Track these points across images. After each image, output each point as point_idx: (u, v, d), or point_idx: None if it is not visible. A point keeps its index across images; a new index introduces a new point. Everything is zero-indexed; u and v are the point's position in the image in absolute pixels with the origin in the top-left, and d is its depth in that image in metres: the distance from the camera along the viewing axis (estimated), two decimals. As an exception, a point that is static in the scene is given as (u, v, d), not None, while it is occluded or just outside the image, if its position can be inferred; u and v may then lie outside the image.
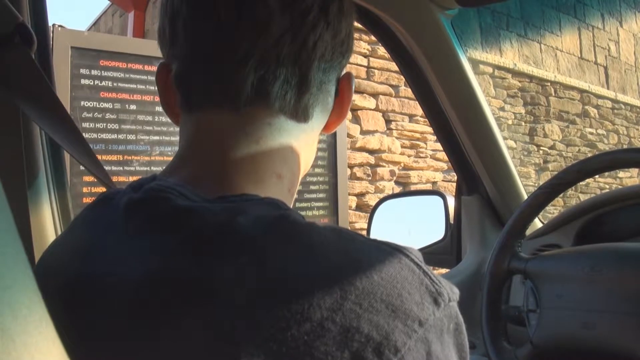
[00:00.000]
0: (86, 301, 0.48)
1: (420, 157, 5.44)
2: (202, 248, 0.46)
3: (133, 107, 3.30)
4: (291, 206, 0.61)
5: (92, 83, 3.20)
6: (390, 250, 0.48)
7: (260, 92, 0.58)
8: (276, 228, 0.47)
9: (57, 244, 0.62)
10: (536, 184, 6.76)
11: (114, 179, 3.15)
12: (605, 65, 8.46)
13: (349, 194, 4.57)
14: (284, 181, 0.61)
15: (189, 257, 0.46)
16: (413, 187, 5.27)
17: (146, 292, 0.45)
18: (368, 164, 4.99)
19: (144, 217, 0.51)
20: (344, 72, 0.68)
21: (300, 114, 0.61)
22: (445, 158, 4.56)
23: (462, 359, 0.49)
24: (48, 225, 0.96)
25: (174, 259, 0.46)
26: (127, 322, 0.45)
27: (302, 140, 0.63)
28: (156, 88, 0.66)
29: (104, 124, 3.21)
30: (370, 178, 4.98)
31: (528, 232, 1.26)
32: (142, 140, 3.32)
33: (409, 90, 3.94)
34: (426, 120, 4.35)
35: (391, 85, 5.18)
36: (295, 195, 0.65)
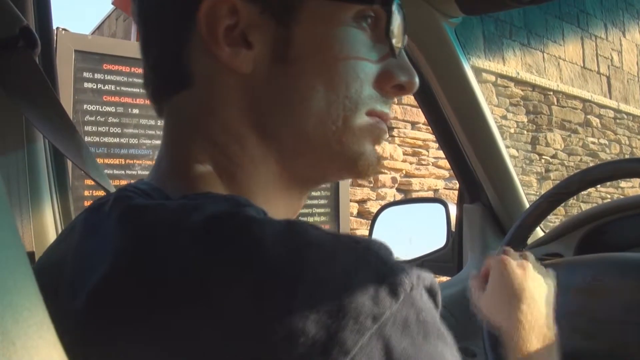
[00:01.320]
0: (68, 302, 0.48)
1: (422, 165, 5.44)
2: (154, 245, 0.45)
3: (136, 111, 3.30)
4: (287, 206, 0.59)
5: (95, 87, 3.21)
6: (346, 243, 0.45)
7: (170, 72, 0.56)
8: (225, 224, 0.45)
9: (51, 248, 0.62)
10: (538, 193, 6.75)
11: (116, 182, 3.16)
12: (607, 75, 8.47)
13: (351, 201, 4.57)
14: (251, 176, 0.55)
15: (142, 255, 0.45)
16: (415, 195, 5.27)
17: (108, 289, 0.45)
18: (370, 171, 4.98)
19: (112, 218, 0.51)
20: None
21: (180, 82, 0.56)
22: (447, 166, 4.57)
23: (444, 342, 0.45)
24: (50, 227, 0.96)
25: (128, 257, 0.46)
26: (89, 322, 0.44)
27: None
28: None
29: (107, 128, 3.22)
30: (371, 185, 4.98)
31: (530, 241, 1.26)
32: (144, 144, 3.32)
33: (412, 97, 3.94)
34: (428, 127, 4.35)
35: (394, 93, 5.19)
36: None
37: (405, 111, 5.26)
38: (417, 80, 0.60)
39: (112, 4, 7.05)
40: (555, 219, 6.14)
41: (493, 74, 6.61)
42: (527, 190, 6.61)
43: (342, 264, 0.42)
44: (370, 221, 1.77)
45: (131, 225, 0.48)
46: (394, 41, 0.57)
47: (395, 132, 5.18)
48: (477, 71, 6.28)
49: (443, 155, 1.65)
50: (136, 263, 0.45)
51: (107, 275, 0.45)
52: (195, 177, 0.54)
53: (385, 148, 5.07)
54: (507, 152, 1.51)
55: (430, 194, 5.44)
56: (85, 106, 3.15)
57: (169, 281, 0.42)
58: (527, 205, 1.51)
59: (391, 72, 0.58)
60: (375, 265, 0.43)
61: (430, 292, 0.46)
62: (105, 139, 3.21)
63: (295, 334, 0.39)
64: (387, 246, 0.46)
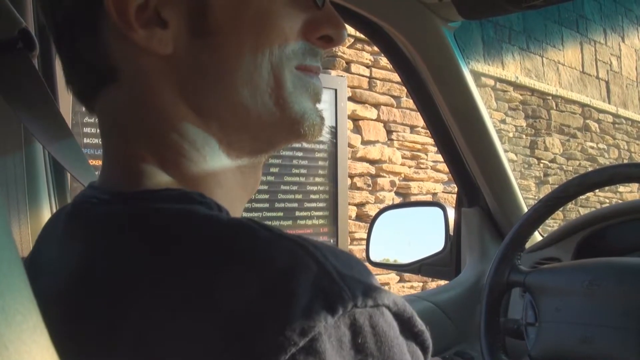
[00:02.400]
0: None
1: (421, 168, 5.44)
2: (118, 253, 0.45)
3: (135, 113, 3.30)
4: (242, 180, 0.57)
5: (94, 89, 3.20)
6: (288, 246, 0.41)
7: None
8: (175, 224, 0.44)
9: (28, 256, 0.62)
10: (536, 197, 6.76)
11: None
12: (606, 79, 8.47)
13: (349, 204, 4.57)
14: (196, 162, 0.52)
15: (106, 264, 0.45)
16: (413, 198, 5.27)
17: (78, 296, 0.45)
18: (368, 174, 4.99)
19: (72, 228, 0.51)
20: None
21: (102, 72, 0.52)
22: (446, 170, 4.56)
23: None
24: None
25: (93, 266, 0.46)
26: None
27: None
28: None
29: (106, 130, 3.21)
30: (370, 188, 4.98)
31: (528, 245, 1.26)
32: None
33: (411, 101, 3.94)
34: (427, 131, 4.36)
35: (393, 96, 5.19)
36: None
37: (404, 115, 5.26)
38: (344, 31, 0.57)
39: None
40: (553, 223, 6.14)
41: (492, 78, 6.61)
42: (526, 195, 6.62)
43: (280, 268, 0.39)
44: (368, 224, 1.77)
45: (98, 236, 0.48)
46: None
47: (394, 136, 5.18)
48: (476, 75, 6.28)
49: (442, 159, 1.65)
50: (91, 273, 0.45)
51: (79, 281, 0.46)
52: (140, 175, 0.50)
53: (384, 151, 5.08)
54: (506, 156, 1.51)
55: (428, 198, 5.43)
56: (84, 108, 3.15)
57: (124, 288, 0.42)
58: (526, 210, 1.51)
59: (316, 22, 0.55)
60: (315, 272, 0.39)
61: (398, 317, 0.42)
62: (104, 141, 3.21)
63: (213, 345, 0.37)
64: (341, 255, 0.42)
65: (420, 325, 0.44)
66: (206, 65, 0.51)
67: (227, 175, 0.54)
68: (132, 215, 0.46)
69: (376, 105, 5.07)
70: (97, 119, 0.56)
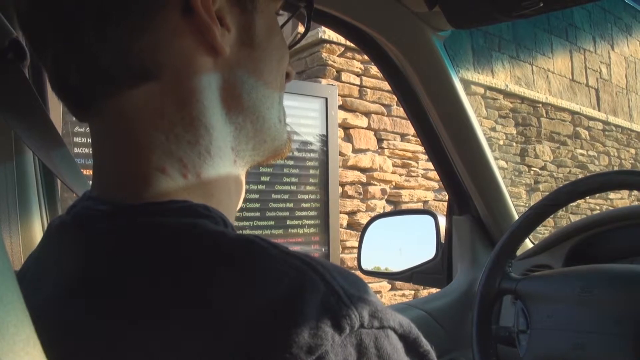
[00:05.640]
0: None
1: (412, 176, 5.45)
2: (121, 270, 0.44)
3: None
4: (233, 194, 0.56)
5: (84, 98, 3.19)
6: (296, 264, 0.41)
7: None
8: (179, 241, 0.44)
9: (22, 267, 0.61)
10: (527, 205, 6.77)
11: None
12: (596, 87, 8.52)
13: (340, 212, 4.57)
14: (216, 168, 0.52)
15: (107, 281, 0.44)
16: (404, 206, 5.27)
17: (77, 307, 0.45)
18: (360, 182, 4.99)
19: (72, 242, 0.51)
20: None
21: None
22: (437, 177, 4.57)
23: None
24: (39, 241, 0.95)
25: (94, 282, 0.45)
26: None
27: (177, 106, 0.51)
28: None
29: (96, 139, 3.20)
30: (361, 196, 4.99)
31: (519, 252, 1.27)
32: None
33: (401, 109, 3.95)
34: (418, 139, 4.37)
35: (383, 105, 5.20)
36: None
37: (395, 123, 5.27)
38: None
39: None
40: (544, 230, 6.16)
41: (482, 87, 6.64)
42: (516, 202, 6.64)
43: (288, 287, 0.40)
44: (360, 233, 1.77)
45: (99, 252, 0.47)
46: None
47: (384, 144, 5.19)
48: (466, 83, 6.31)
49: (432, 167, 1.66)
50: (92, 289, 0.45)
51: (78, 292, 0.45)
52: (146, 184, 0.49)
53: (375, 159, 5.08)
54: (496, 164, 1.52)
55: (419, 206, 5.44)
56: (74, 117, 3.14)
57: (126, 306, 0.42)
58: (516, 217, 1.52)
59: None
60: (323, 292, 0.40)
61: (404, 338, 0.43)
62: (95, 151, 3.20)
63: (225, 358, 0.37)
64: (348, 275, 0.43)
65: (426, 345, 0.44)
66: (248, 73, 0.55)
67: (230, 187, 0.55)
68: (136, 230, 0.46)
69: (367, 114, 5.09)
70: (95, 127, 0.54)
